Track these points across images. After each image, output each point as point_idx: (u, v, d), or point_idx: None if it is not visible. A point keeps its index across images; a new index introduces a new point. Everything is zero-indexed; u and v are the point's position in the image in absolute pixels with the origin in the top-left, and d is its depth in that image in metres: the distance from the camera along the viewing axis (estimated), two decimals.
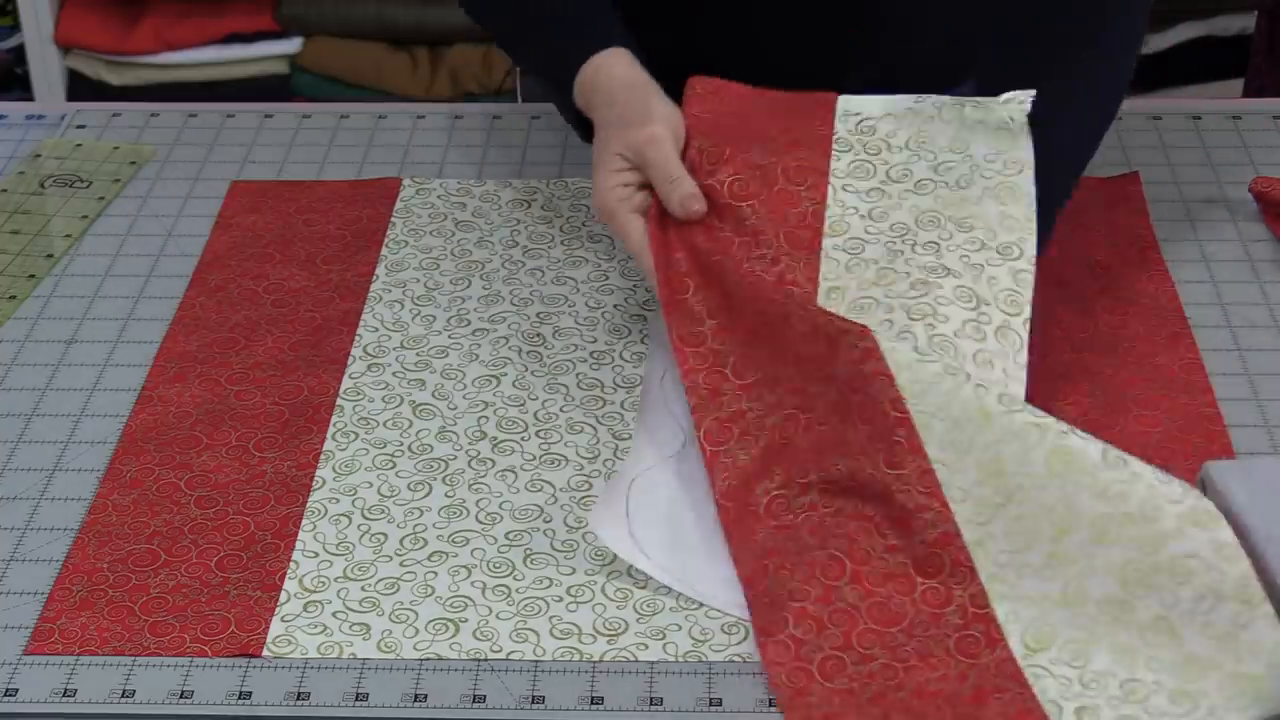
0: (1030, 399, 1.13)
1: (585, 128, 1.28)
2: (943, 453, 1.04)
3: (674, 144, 1.20)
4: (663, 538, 1.07)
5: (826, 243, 1.19)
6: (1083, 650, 0.98)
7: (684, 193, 1.19)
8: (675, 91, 1.44)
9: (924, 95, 1.24)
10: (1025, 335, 1.12)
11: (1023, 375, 1.11)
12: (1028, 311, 1.13)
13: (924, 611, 1.01)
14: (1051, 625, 0.99)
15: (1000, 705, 0.96)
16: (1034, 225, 1.16)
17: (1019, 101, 1.20)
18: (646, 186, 1.21)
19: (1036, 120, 1.21)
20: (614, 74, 1.25)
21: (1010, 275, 1.14)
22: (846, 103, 1.25)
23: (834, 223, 1.19)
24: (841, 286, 1.17)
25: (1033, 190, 1.18)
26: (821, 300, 1.16)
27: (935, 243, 1.16)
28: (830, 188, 1.20)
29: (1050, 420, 1.03)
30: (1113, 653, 0.97)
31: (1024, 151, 1.19)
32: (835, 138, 1.23)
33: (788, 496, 1.08)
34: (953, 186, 1.19)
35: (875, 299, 1.15)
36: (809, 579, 1.03)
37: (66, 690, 1.00)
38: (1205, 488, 1.09)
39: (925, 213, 1.18)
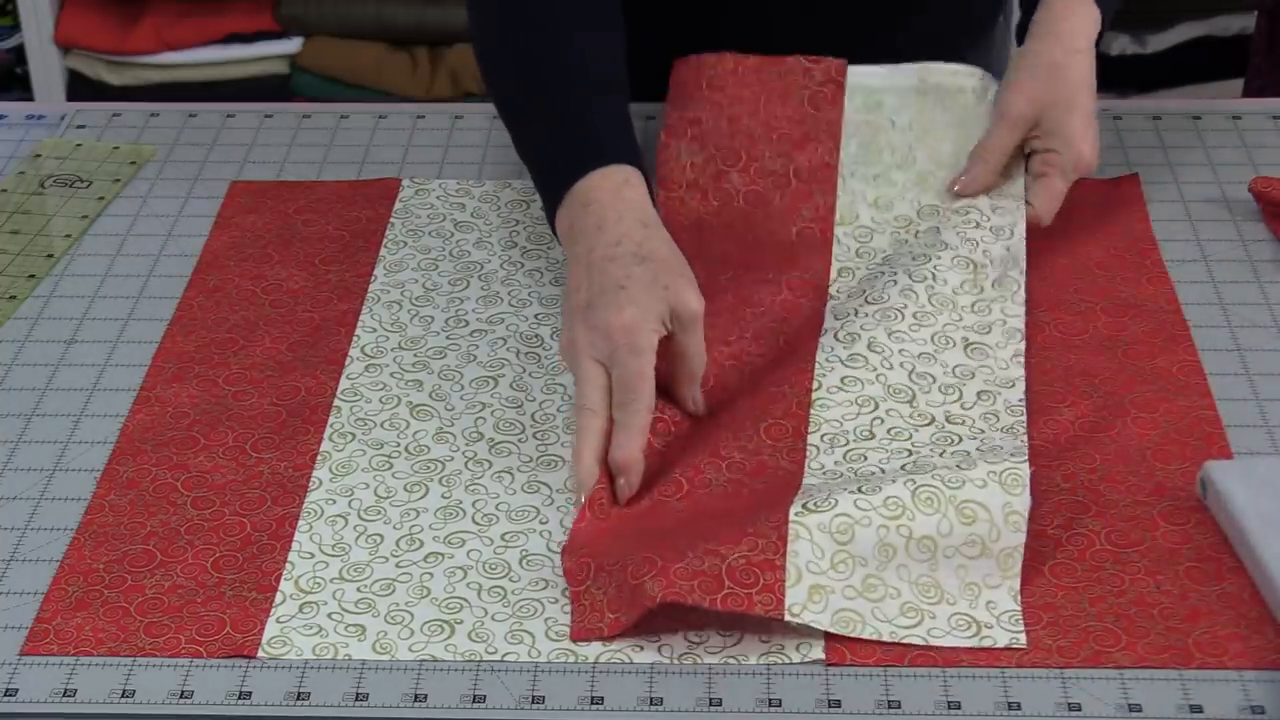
0: (1029, 401, 1.18)
1: (552, 199, 1.21)
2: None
3: None
4: None
5: (838, 230, 1.29)
6: (851, 528, 1.02)
7: (698, 398, 1.13)
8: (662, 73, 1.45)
9: (926, 65, 1.35)
10: (1023, 281, 1.24)
11: (1021, 313, 1.22)
12: (1023, 263, 1.26)
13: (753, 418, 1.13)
14: (844, 477, 1.08)
15: (750, 547, 1.01)
16: (1023, 206, 1.29)
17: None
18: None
19: None
20: (646, 203, 1.17)
21: (1003, 248, 1.26)
22: (854, 76, 1.36)
23: (843, 211, 1.29)
24: (851, 268, 1.27)
25: (1021, 176, 1.30)
26: (833, 279, 1.26)
27: (936, 227, 1.28)
28: (840, 178, 1.30)
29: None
30: (875, 545, 1.02)
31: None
32: (844, 121, 1.32)
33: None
34: (952, 171, 1.32)
35: (881, 271, 1.25)
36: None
37: (66, 690, 1.00)
38: (1205, 488, 1.09)
39: (926, 206, 1.30)
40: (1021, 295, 1.24)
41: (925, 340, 1.19)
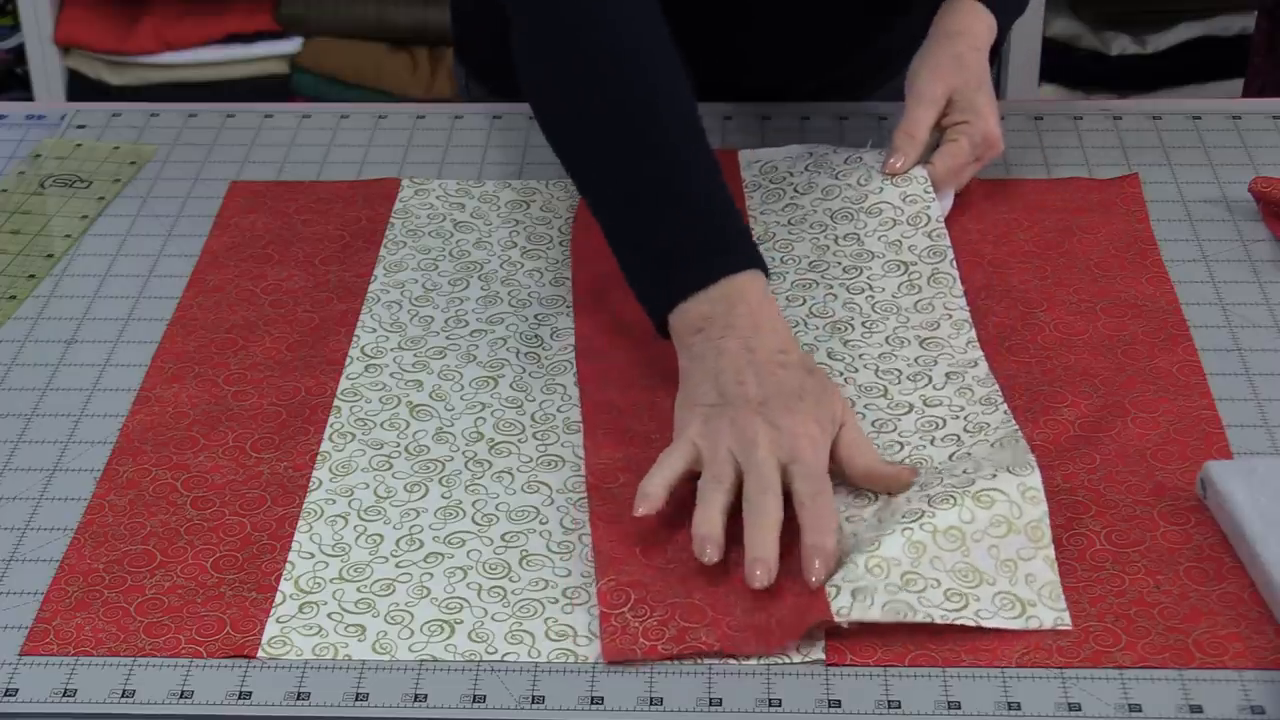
0: (1028, 401, 1.18)
1: (659, 307, 1.18)
2: None
3: None
4: None
5: (761, 247, 1.28)
6: (877, 538, 1.04)
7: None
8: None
9: (818, 145, 1.42)
10: (955, 273, 1.28)
11: (963, 303, 1.26)
12: (951, 253, 1.30)
13: None
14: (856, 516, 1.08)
15: (794, 592, 1.02)
16: (933, 194, 1.33)
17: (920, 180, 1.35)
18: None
19: None
20: (783, 317, 1.18)
21: (926, 236, 1.31)
22: (746, 155, 1.43)
23: (760, 234, 1.34)
24: (781, 272, 1.30)
25: (924, 173, 1.34)
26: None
27: (855, 233, 1.32)
28: (750, 216, 1.36)
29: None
30: (903, 545, 1.03)
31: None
32: (744, 183, 1.40)
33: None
34: (855, 185, 1.35)
35: (815, 280, 1.29)
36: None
37: (66, 690, 1.00)
38: (1205, 488, 1.09)
39: (839, 211, 1.34)
40: (959, 287, 1.27)
41: (880, 343, 1.22)
